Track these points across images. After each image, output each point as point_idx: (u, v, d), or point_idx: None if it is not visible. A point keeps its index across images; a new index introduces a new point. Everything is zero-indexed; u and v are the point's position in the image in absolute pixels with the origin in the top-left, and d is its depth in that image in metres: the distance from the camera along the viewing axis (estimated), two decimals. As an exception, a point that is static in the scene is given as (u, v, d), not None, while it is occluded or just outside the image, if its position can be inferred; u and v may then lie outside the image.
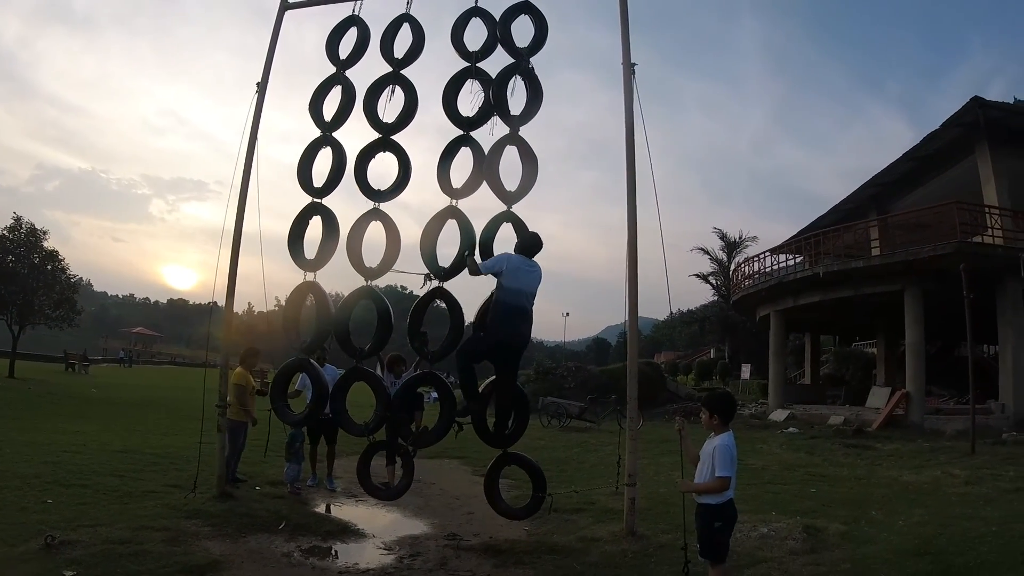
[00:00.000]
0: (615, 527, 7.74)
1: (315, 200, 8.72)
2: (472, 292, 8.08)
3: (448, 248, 8.06)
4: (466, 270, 7.73)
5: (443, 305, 8.13)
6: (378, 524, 8.53)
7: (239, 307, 10.26)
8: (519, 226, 7.97)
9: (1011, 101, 25.22)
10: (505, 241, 7.98)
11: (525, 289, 7.37)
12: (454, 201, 8.13)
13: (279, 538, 7.44)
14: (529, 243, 7.65)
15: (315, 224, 8.69)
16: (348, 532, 8.00)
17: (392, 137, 8.65)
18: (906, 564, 6.31)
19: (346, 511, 9.05)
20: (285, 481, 10.02)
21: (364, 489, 8.22)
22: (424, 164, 8.40)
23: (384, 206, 8.45)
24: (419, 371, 8.34)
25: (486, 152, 8.19)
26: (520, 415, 7.96)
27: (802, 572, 6.23)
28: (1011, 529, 7.61)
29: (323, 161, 8.93)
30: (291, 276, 8.53)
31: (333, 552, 7.14)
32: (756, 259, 32.76)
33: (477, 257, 7.81)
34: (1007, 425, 19.55)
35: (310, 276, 8.53)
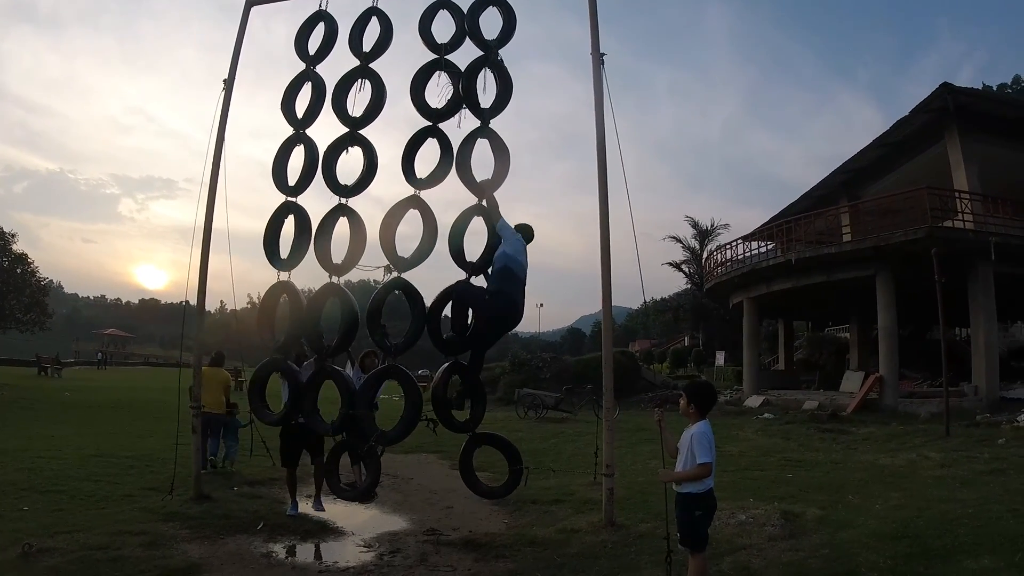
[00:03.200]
0: (594, 518, 7.74)
1: (289, 199, 8.65)
2: (433, 284, 8.08)
3: (411, 242, 8.03)
4: (422, 262, 7.94)
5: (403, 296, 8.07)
6: (356, 521, 8.48)
7: (211, 305, 10.27)
8: (490, 220, 7.94)
9: (979, 87, 25.54)
10: (477, 234, 7.99)
11: (525, 266, 7.65)
12: (418, 191, 8.07)
13: (258, 539, 7.39)
14: (530, 231, 7.98)
15: (287, 223, 8.63)
16: (327, 531, 7.97)
17: (360, 131, 8.57)
18: (884, 548, 6.34)
19: (326, 509, 8.94)
20: (228, 456, 11.49)
21: (331, 489, 8.16)
22: (395, 158, 8.32)
23: (353, 201, 8.39)
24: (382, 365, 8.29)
25: (453, 144, 8.15)
26: (478, 399, 8.04)
27: (781, 558, 6.25)
28: (988, 511, 7.68)
29: (295, 158, 8.89)
30: (262, 273, 8.55)
31: (313, 551, 7.17)
32: (728, 247, 32.93)
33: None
34: (980, 407, 19.77)
35: (284, 276, 8.47)
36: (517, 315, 7.63)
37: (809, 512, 7.85)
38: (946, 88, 22.87)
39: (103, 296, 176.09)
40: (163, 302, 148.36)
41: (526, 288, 7.66)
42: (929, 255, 17.76)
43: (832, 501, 8.66)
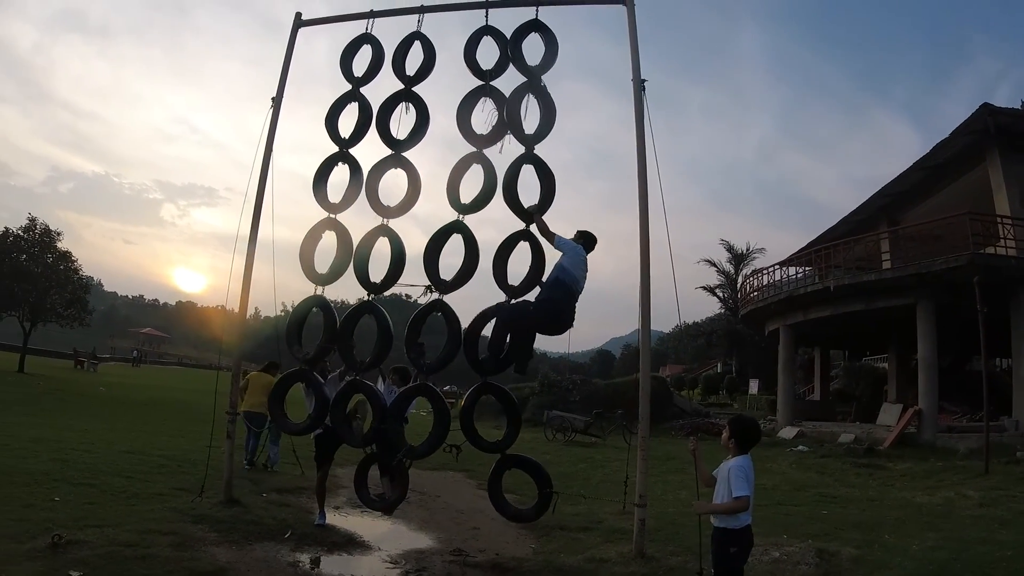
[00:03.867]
0: (624, 548, 7.66)
1: (330, 216, 8.77)
2: (471, 302, 8.12)
3: (451, 258, 8.07)
4: (460, 285, 8.01)
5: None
6: (383, 536, 8.49)
7: (247, 311, 10.36)
8: (536, 244, 7.94)
9: (1018, 106, 25.05)
10: (521, 253, 8.00)
11: (581, 280, 7.62)
12: (461, 216, 8.12)
13: (285, 547, 7.41)
14: (593, 242, 7.95)
15: (327, 237, 8.74)
16: (354, 544, 7.95)
17: (403, 153, 8.69)
18: (921, 592, 6.23)
19: (352, 521, 9.00)
20: (270, 461, 12.25)
21: (360, 500, 8.29)
22: (432, 175, 8.42)
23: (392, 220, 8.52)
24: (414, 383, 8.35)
25: (496, 169, 8.18)
26: (512, 421, 8.01)
27: (815, 599, 6.15)
28: (1026, 554, 7.53)
29: (335, 175, 9.02)
30: (297, 283, 8.59)
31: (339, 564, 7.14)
32: (765, 272, 32.62)
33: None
34: (1021, 443, 19.21)
35: (320, 289, 8.63)
36: (564, 321, 7.62)
37: (844, 551, 7.71)
38: (987, 109, 22.22)
39: (141, 296, 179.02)
40: (200, 305, 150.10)
41: (576, 291, 7.62)
42: (971, 283, 17.44)
43: (868, 540, 8.52)
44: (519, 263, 7.99)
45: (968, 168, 25.15)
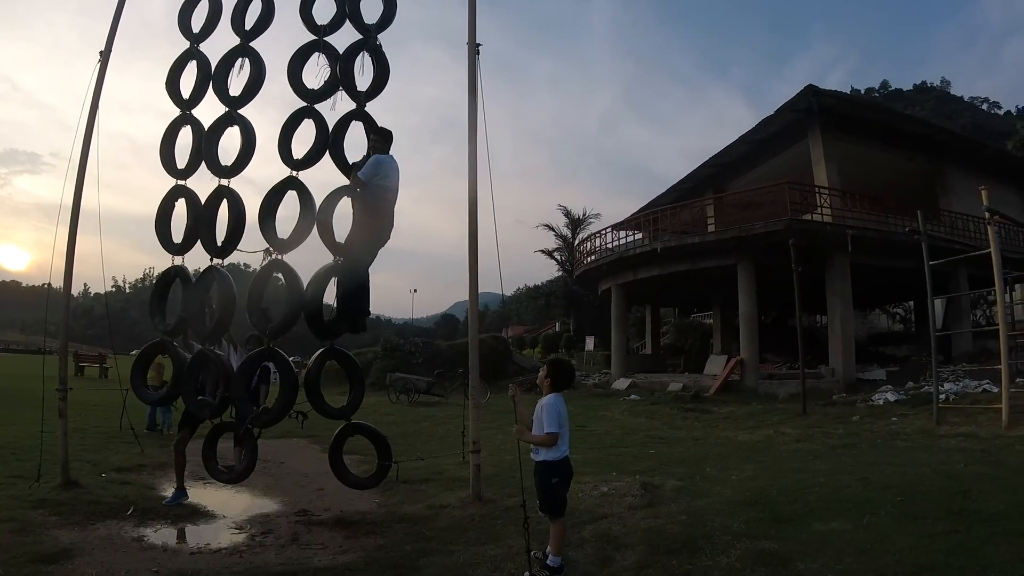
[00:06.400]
0: (462, 493, 8.02)
1: (179, 183, 8.55)
2: (312, 266, 7.98)
3: (288, 224, 7.95)
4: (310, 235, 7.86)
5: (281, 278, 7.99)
6: (228, 505, 8.47)
7: (75, 289, 9.87)
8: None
9: (848, 90, 27.22)
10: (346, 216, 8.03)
11: (396, 183, 7.92)
12: (294, 172, 8.07)
13: (128, 524, 7.29)
14: (390, 138, 8.14)
15: (178, 206, 8.54)
16: (198, 514, 7.90)
17: (239, 111, 8.49)
18: (738, 513, 6.79)
19: (196, 494, 8.77)
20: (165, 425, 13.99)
21: (208, 471, 8.15)
22: (272, 136, 8.30)
23: (230, 182, 8.33)
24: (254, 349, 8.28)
25: (329, 125, 8.21)
26: (356, 386, 8.16)
27: (640, 525, 6.60)
28: (838, 480, 8.24)
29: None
30: (129, 255, 8.39)
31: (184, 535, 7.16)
32: (598, 235, 33.58)
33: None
34: (836, 388, 21.05)
35: (177, 260, 8.40)
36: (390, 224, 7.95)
37: (668, 483, 8.29)
38: (811, 90, 24.30)
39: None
40: (24, 284, 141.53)
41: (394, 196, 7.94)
42: (788, 245, 18.72)
43: (691, 473, 9.12)
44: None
45: (791, 143, 27.23)
